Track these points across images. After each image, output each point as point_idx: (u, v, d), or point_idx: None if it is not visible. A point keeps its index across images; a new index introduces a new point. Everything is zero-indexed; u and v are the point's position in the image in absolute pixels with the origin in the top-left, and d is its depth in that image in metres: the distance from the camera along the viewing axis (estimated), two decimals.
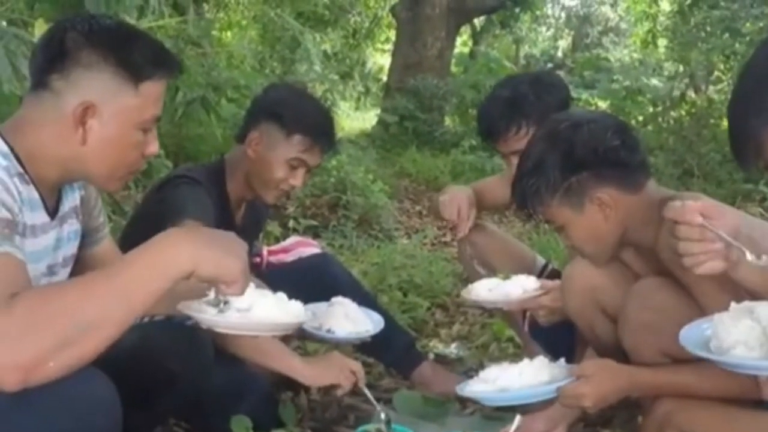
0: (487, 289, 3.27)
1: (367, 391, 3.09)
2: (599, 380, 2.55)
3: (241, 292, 1.91)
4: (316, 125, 3.41)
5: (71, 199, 2.35)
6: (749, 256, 1.91)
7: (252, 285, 2.26)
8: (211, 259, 1.82)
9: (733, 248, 1.99)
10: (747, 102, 1.68)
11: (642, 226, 2.61)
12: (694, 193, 2.71)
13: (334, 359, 3.10)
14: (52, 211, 2.22)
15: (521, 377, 2.45)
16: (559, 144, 2.65)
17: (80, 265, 2.40)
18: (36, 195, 2.13)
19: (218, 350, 2.82)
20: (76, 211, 2.38)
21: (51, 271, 2.25)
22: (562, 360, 2.67)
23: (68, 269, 2.35)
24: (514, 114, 3.43)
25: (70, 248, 2.35)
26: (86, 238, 2.47)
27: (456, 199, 3.71)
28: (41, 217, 2.17)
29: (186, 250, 1.80)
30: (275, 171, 3.36)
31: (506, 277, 3.29)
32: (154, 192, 3.39)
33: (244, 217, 3.57)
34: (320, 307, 3.28)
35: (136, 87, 2.11)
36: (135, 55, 2.11)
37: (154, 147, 2.26)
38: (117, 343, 1.77)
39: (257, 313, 2.27)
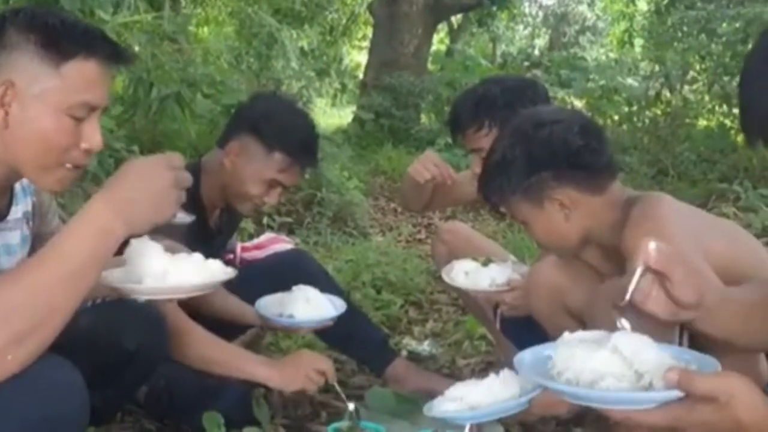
0: (464, 273, 3.33)
1: (338, 389, 3.09)
2: None
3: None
4: (298, 144, 3.33)
5: (23, 205, 2.31)
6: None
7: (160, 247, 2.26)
8: (142, 217, 1.85)
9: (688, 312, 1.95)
10: (757, 79, 1.69)
11: (606, 226, 2.62)
12: (657, 193, 2.72)
13: (302, 360, 3.08)
14: (2, 214, 2.19)
15: (490, 393, 2.43)
16: (520, 142, 2.66)
17: None
18: None
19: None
20: (28, 217, 2.34)
21: None
22: None
23: None
24: (479, 112, 3.43)
25: (21, 254, 2.30)
26: (39, 242, 2.39)
27: (426, 160, 3.66)
28: None
29: (116, 219, 1.81)
30: (250, 187, 3.30)
31: (486, 263, 3.35)
32: None
33: (219, 220, 3.53)
34: (282, 295, 3.28)
35: (57, 67, 1.99)
36: (56, 35, 2.01)
37: (94, 141, 2.08)
38: (72, 326, 1.78)
39: (175, 277, 2.25)
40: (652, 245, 1.88)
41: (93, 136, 2.07)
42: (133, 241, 2.22)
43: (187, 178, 1.94)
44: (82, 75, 2.03)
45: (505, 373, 2.54)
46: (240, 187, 3.30)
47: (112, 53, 2.10)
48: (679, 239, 2.40)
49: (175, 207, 1.90)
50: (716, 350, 2.09)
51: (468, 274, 3.32)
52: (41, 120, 1.99)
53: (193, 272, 2.29)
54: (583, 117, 2.97)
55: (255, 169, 3.29)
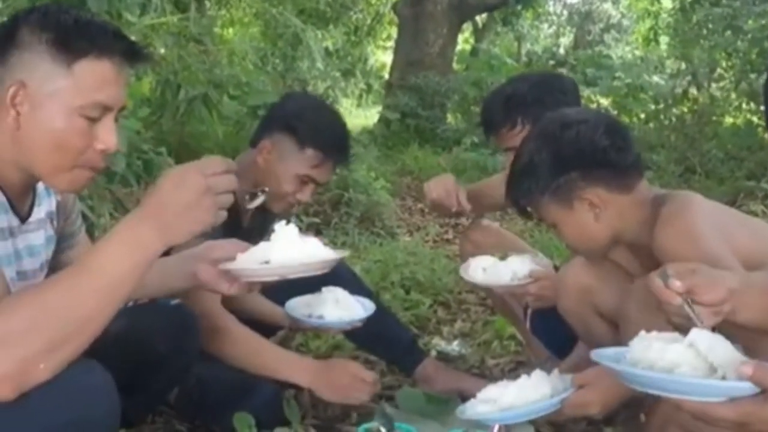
0: (482, 269, 3.32)
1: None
2: (602, 386, 2.52)
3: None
4: (330, 140, 3.34)
5: (46, 205, 2.29)
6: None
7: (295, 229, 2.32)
8: (177, 228, 1.82)
9: (725, 305, 1.96)
10: None
11: (637, 225, 2.62)
12: (686, 191, 2.71)
13: (345, 371, 3.17)
14: (24, 216, 2.17)
15: (522, 394, 2.43)
16: (548, 144, 2.66)
17: (57, 270, 2.28)
18: (2, 198, 2.06)
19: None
20: (52, 217, 2.32)
21: (22, 276, 2.17)
22: (556, 370, 2.63)
23: (43, 275, 2.27)
24: (510, 111, 3.42)
25: (45, 254, 2.29)
26: (63, 242, 2.43)
27: (441, 180, 3.72)
28: (9, 219, 2.10)
29: (151, 233, 1.80)
30: (283, 184, 3.31)
31: (503, 257, 3.34)
32: None
33: (251, 220, 3.51)
34: (312, 297, 3.29)
35: (69, 66, 1.96)
36: (68, 33, 1.97)
37: (108, 141, 2.04)
38: (105, 329, 1.78)
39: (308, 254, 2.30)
40: (660, 282, 1.91)
41: (108, 136, 2.04)
42: (277, 227, 2.32)
43: (226, 182, 1.90)
44: (95, 74, 2.00)
45: (537, 373, 2.53)
46: (273, 184, 3.29)
47: (127, 52, 2.07)
48: (708, 237, 2.40)
49: (212, 214, 1.86)
50: (747, 343, 2.10)
51: (486, 270, 3.30)
52: (53, 121, 1.97)
53: (321, 250, 2.34)
54: (608, 116, 2.97)
55: (288, 165, 3.30)
